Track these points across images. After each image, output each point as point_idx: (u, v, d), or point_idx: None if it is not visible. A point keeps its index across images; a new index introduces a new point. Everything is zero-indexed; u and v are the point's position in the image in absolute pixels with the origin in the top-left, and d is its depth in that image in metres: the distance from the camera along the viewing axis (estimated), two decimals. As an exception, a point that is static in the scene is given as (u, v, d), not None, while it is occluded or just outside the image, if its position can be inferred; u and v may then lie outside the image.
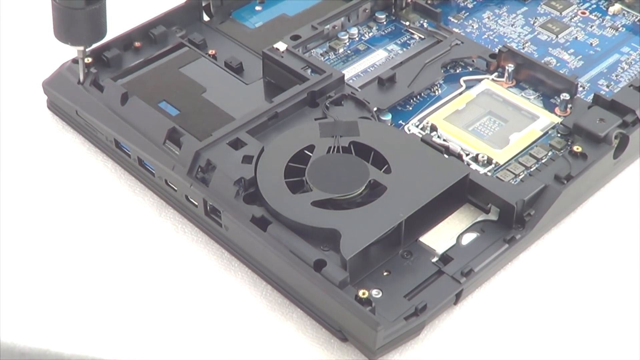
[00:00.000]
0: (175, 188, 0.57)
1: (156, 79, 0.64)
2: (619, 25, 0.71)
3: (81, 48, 0.60)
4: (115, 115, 0.60)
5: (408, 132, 0.60)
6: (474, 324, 0.52)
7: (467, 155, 0.59)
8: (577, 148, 0.58)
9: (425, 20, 0.70)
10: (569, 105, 0.62)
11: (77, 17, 0.58)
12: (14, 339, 0.52)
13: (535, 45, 0.69)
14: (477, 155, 0.59)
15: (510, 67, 0.64)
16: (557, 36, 0.69)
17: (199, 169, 0.56)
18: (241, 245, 0.55)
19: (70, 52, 0.65)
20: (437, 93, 0.64)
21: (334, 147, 0.56)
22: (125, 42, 0.66)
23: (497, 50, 0.65)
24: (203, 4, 0.70)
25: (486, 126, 0.61)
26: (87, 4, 0.57)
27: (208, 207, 0.55)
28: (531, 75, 0.64)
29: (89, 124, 0.62)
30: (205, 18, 0.71)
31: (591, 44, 0.69)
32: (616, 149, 0.59)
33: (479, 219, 0.55)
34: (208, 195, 0.55)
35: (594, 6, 0.73)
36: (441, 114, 0.62)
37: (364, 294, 0.49)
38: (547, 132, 0.61)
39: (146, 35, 0.67)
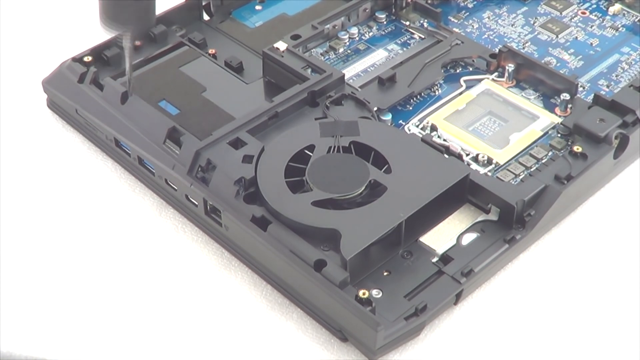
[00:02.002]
0: (175, 187, 0.57)
1: (156, 78, 0.64)
2: (619, 25, 0.71)
3: (128, 35, 0.56)
4: (115, 114, 0.60)
5: (408, 132, 0.60)
6: (474, 324, 0.52)
7: (467, 155, 0.59)
8: (577, 148, 0.58)
9: (425, 20, 0.70)
10: (569, 105, 0.62)
11: None
12: (10, 347, 0.52)
13: (536, 45, 0.69)
14: (477, 155, 0.59)
15: (510, 67, 0.64)
16: (557, 36, 0.69)
17: (199, 169, 0.56)
18: (241, 245, 0.55)
19: (70, 51, 0.65)
20: (437, 93, 0.64)
21: (334, 146, 0.56)
22: (126, 41, 0.66)
23: (497, 50, 0.65)
24: (203, 3, 0.70)
25: (486, 126, 0.61)
26: None
27: (208, 207, 0.55)
28: (531, 75, 0.64)
29: (88, 122, 0.62)
30: (206, 17, 0.71)
31: (591, 44, 0.69)
32: (616, 149, 0.59)
33: (479, 219, 0.55)
34: (208, 195, 0.55)
35: (594, 6, 0.73)
36: (441, 114, 0.62)
37: (364, 294, 0.49)
38: (547, 132, 0.61)
39: (146, 34, 0.67)
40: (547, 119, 0.61)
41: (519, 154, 0.59)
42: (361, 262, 0.52)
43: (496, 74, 0.65)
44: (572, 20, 0.71)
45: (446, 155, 0.57)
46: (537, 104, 0.63)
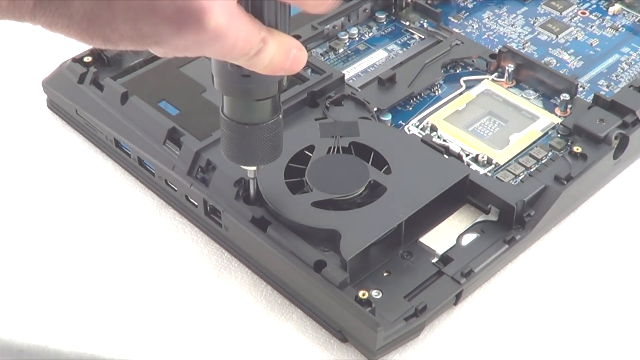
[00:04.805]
0: (175, 188, 0.57)
1: (156, 78, 0.64)
2: (619, 26, 0.71)
3: (254, 168, 0.52)
4: (115, 114, 0.60)
5: (408, 133, 0.60)
6: (473, 324, 0.52)
7: (467, 155, 0.59)
8: (577, 148, 0.58)
9: (425, 20, 0.70)
10: (569, 106, 0.62)
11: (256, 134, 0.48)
12: (12, 335, 0.52)
13: (535, 45, 0.69)
14: (477, 155, 0.59)
15: (510, 67, 0.64)
16: (557, 36, 0.69)
17: (199, 169, 0.56)
18: (241, 246, 0.55)
19: (70, 51, 0.65)
20: (437, 93, 0.64)
21: (334, 147, 0.56)
22: (125, 41, 0.66)
23: (497, 51, 0.66)
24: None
25: (486, 126, 0.61)
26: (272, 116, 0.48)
27: (208, 207, 0.55)
28: (531, 75, 0.64)
29: (88, 123, 0.62)
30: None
31: (591, 44, 0.69)
32: (616, 149, 0.59)
33: (479, 219, 0.55)
34: (208, 196, 0.55)
35: (594, 6, 0.73)
36: (441, 114, 0.62)
37: (364, 294, 0.49)
38: (547, 133, 0.61)
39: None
40: (547, 119, 0.61)
41: (518, 155, 0.59)
42: (361, 262, 0.52)
43: (496, 74, 0.65)
44: (572, 20, 0.71)
45: (446, 156, 0.57)
46: (537, 104, 0.63)
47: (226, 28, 0.38)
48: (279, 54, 0.42)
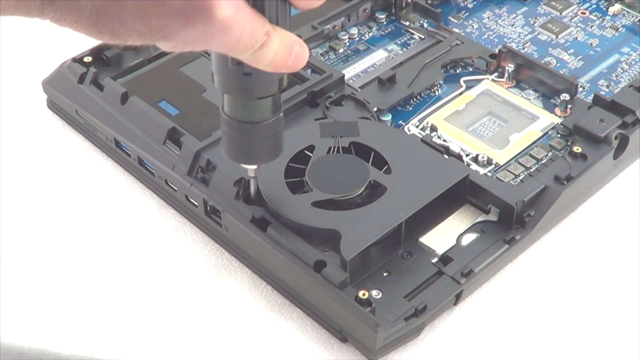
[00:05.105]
0: (175, 188, 0.57)
1: (156, 78, 0.64)
2: (619, 26, 0.71)
3: (254, 167, 0.52)
4: (115, 114, 0.60)
5: (408, 133, 0.60)
6: (473, 324, 0.52)
7: (467, 155, 0.59)
8: (577, 148, 0.58)
9: (425, 20, 0.70)
10: (569, 106, 0.62)
11: (257, 132, 0.48)
12: (12, 338, 0.52)
13: (535, 45, 0.69)
14: (477, 155, 0.59)
15: (510, 67, 0.64)
16: (557, 36, 0.69)
17: (199, 169, 0.56)
18: (241, 246, 0.55)
19: (70, 51, 0.65)
20: (437, 93, 0.64)
21: (334, 147, 0.56)
22: (125, 41, 0.66)
23: (497, 51, 0.66)
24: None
25: (486, 126, 0.61)
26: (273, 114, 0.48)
27: (208, 207, 0.55)
28: (531, 75, 0.64)
29: (88, 123, 0.62)
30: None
31: (591, 44, 0.69)
32: (616, 149, 0.59)
33: (479, 219, 0.55)
34: (208, 196, 0.55)
35: (594, 6, 0.73)
36: (441, 114, 0.62)
37: (364, 294, 0.50)
38: (547, 133, 0.61)
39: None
40: (547, 120, 0.61)
41: (518, 155, 0.59)
42: (361, 262, 0.52)
43: (496, 74, 0.65)
44: (572, 20, 0.71)
45: (446, 156, 0.57)
46: (537, 104, 0.63)
47: (233, 20, 0.38)
48: (282, 50, 0.42)
